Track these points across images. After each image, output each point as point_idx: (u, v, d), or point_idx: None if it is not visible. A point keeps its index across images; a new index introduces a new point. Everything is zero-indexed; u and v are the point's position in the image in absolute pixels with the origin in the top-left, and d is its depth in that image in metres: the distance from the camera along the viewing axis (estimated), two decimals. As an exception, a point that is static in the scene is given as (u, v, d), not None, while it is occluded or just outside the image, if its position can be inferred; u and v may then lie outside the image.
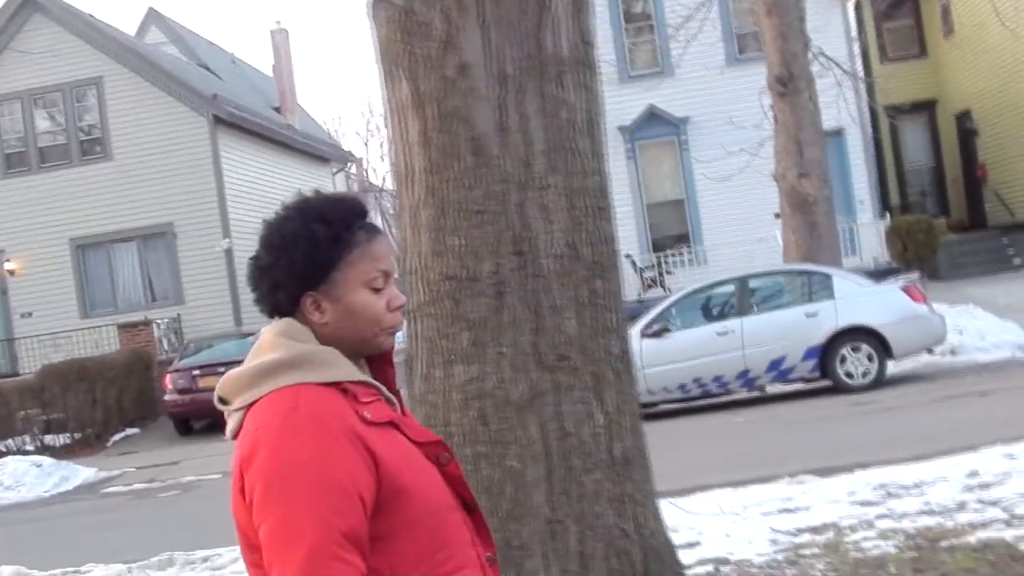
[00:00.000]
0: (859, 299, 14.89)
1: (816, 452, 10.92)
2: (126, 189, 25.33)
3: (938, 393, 13.76)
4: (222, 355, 21.08)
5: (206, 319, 24.86)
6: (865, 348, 14.79)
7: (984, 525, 6.71)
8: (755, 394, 15.67)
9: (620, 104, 23.28)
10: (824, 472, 9.60)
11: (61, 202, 25.49)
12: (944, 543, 6.41)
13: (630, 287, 22.51)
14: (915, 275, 16.58)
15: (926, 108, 27.79)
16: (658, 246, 23.28)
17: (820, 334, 14.77)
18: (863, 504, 8.02)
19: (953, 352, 16.60)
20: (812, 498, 8.56)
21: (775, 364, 14.87)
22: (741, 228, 22.64)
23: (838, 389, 14.79)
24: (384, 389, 2.21)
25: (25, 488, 17.95)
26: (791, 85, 16.72)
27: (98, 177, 25.58)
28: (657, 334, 15.12)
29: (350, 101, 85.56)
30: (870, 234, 22.18)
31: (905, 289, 15.01)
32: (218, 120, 25.17)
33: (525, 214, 4.35)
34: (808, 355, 14.82)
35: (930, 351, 15.64)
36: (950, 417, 12.04)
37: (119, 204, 25.33)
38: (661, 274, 22.46)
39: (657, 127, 23.40)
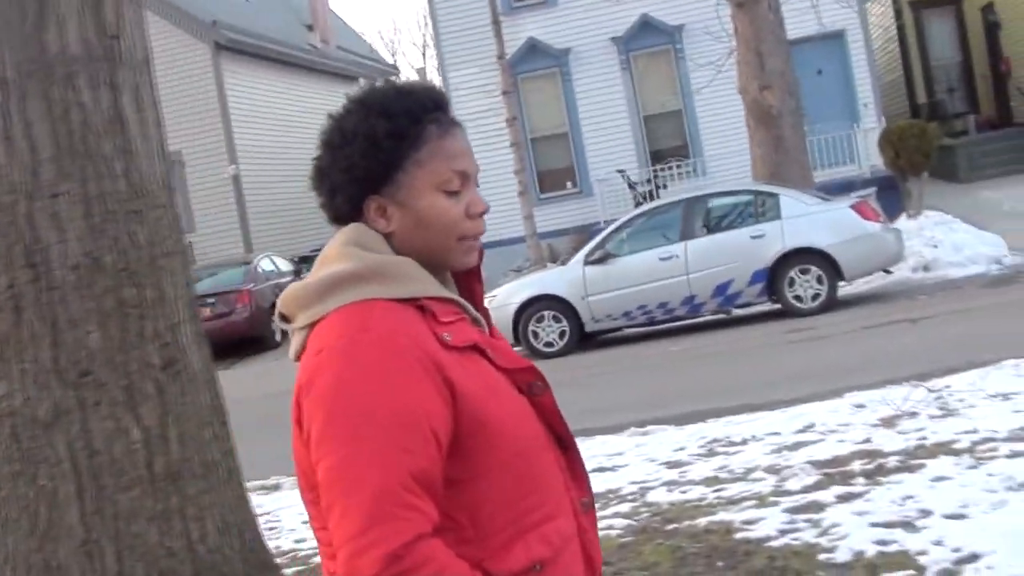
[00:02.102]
0: (807, 219, 14.33)
1: (708, 392, 10.65)
2: (134, 119, 25.44)
3: (878, 318, 13.27)
4: (219, 285, 21.19)
5: (217, 245, 25.04)
6: (814, 270, 14.28)
7: (737, 502, 6.42)
8: (718, 317, 15.27)
9: (613, 14, 22.63)
10: (683, 419, 9.34)
11: (73, 134, 25.69)
12: (674, 525, 6.14)
13: (623, 203, 22.03)
14: (870, 191, 15.91)
15: (952, 1, 26.50)
16: (656, 158, 22.69)
17: (767, 257, 14.29)
18: (670, 466, 7.74)
19: (926, 268, 16.02)
20: (637, 454, 8.32)
21: (721, 288, 14.45)
22: (740, 138, 21.91)
23: (788, 313, 14.35)
24: (470, 307, 1.95)
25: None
26: (749, -6, 16.02)
27: (107, 108, 25.72)
28: (600, 260, 14.76)
29: (406, 11, 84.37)
30: (872, 141, 21.30)
31: (856, 207, 14.41)
32: (221, 46, 25.07)
33: (35, 224, 4.17)
34: (755, 279, 14.36)
35: (887, 271, 15.04)
36: (867, 349, 11.65)
37: (128, 134, 25.48)
38: (654, 188, 21.86)
39: (651, 36, 22.65)
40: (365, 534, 1.69)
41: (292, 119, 28.00)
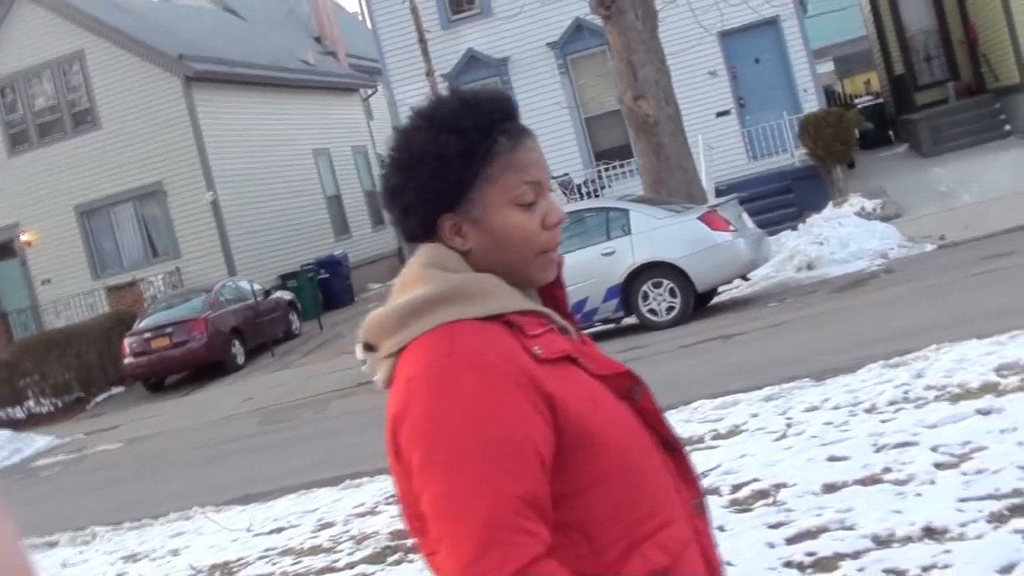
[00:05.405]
0: (656, 233, 14.31)
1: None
2: (117, 154, 26.32)
3: (706, 334, 13.19)
4: (178, 315, 21.87)
5: (203, 270, 25.76)
6: (666, 283, 14.26)
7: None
8: (604, 328, 15.22)
9: (547, 20, 22.62)
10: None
11: (63, 172, 26.71)
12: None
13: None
14: (731, 197, 15.68)
15: (926, -33, 25.74)
16: (601, 158, 22.66)
17: (618, 273, 14.33)
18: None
19: (810, 267, 15.81)
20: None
21: (577, 306, 14.45)
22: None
23: (645, 327, 14.35)
24: (556, 317, 1.88)
25: (-23, 463, 19.15)
26: (614, 6, 15.91)
27: (92, 145, 26.65)
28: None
29: None
30: (810, 127, 20.90)
31: (704, 218, 14.30)
32: (190, 78, 25.72)
33: None
34: (609, 295, 14.42)
35: (745, 278, 14.92)
36: (657, 375, 11.59)
37: (113, 168, 26.37)
38: (597, 189, 21.81)
39: (586, 39, 22.57)
40: (478, 562, 1.63)
41: (274, 138, 28.57)
